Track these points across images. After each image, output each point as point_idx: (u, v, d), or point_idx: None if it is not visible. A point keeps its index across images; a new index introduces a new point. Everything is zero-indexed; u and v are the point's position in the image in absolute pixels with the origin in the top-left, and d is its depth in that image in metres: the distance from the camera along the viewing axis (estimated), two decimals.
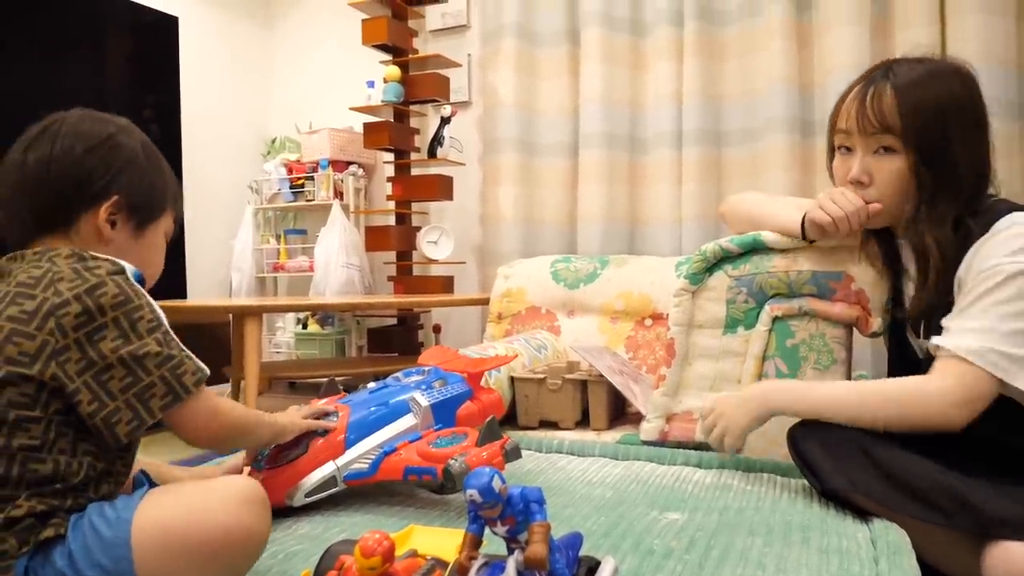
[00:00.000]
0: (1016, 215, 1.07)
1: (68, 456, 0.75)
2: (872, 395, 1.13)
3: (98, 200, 0.84)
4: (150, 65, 3.04)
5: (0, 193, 0.85)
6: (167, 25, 3.07)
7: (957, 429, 1.07)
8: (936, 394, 1.07)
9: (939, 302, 1.12)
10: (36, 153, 0.84)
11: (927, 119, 1.11)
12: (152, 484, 0.82)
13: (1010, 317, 1.02)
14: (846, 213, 1.20)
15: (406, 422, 1.16)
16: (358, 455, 1.08)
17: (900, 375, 1.18)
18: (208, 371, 0.82)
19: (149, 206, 0.89)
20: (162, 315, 0.82)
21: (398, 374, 1.30)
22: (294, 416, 1.06)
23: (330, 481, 1.06)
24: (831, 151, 1.25)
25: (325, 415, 1.11)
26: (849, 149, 1.19)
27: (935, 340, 1.09)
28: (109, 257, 0.83)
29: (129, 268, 0.84)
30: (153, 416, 0.77)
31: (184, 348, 0.81)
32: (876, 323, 1.35)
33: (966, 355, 1.04)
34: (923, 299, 1.15)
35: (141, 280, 0.87)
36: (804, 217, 1.32)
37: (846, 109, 1.18)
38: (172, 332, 0.81)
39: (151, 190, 0.90)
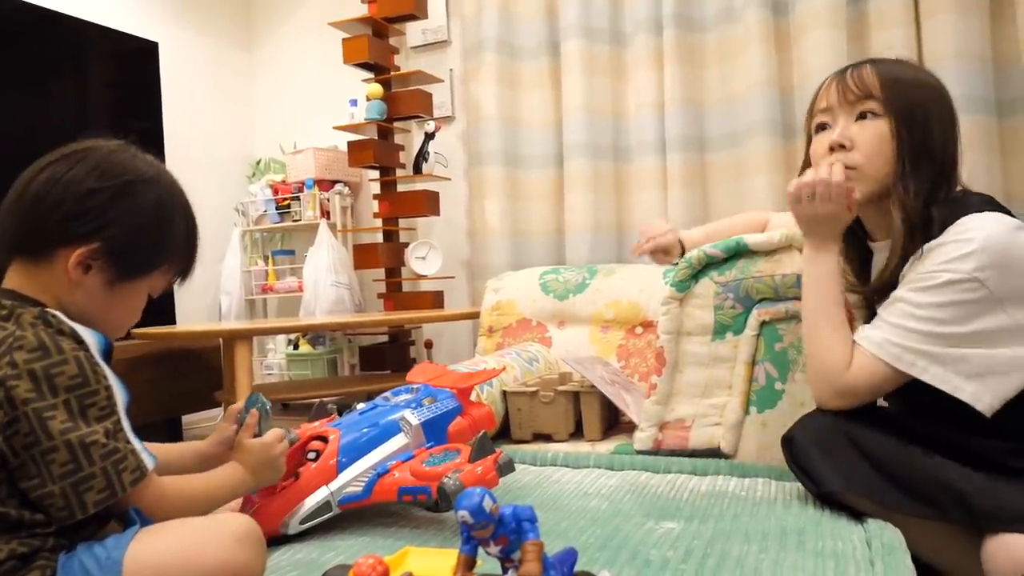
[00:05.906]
0: (970, 220, 1.05)
1: (29, 511, 0.73)
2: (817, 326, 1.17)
3: (79, 242, 0.81)
4: (132, 91, 3.04)
5: (5, 201, 0.83)
6: (147, 51, 3.07)
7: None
8: (845, 385, 1.12)
9: (892, 285, 1.13)
10: (49, 172, 0.82)
11: (907, 90, 1.15)
12: (144, 521, 0.80)
13: (926, 319, 1.05)
14: (827, 176, 1.17)
15: (397, 442, 1.15)
16: (351, 478, 1.08)
17: None
18: (149, 466, 0.79)
19: (135, 263, 0.86)
20: (119, 399, 0.79)
21: (387, 393, 1.30)
22: (247, 460, 0.98)
23: (324, 507, 1.06)
24: (808, 142, 1.25)
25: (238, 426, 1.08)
26: (828, 126, 1.20)
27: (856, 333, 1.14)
28: (75, 326, 0.79)
29: (92, 340, 0.80)
30: (85, 511, 0.74)
31: (131, 440, 0.78)
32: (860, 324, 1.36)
33: (862, 342, 1.11)
34: (883, 276, 1.16)
35: (108, 349, 0.84)
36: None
37: (825, 89, 1.21)
38: (125, 418, 0.79)
39: (143, 248, 0.86)
